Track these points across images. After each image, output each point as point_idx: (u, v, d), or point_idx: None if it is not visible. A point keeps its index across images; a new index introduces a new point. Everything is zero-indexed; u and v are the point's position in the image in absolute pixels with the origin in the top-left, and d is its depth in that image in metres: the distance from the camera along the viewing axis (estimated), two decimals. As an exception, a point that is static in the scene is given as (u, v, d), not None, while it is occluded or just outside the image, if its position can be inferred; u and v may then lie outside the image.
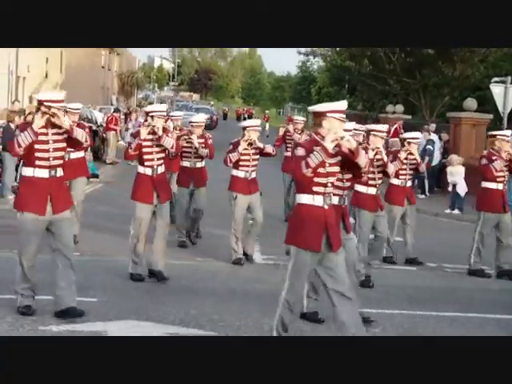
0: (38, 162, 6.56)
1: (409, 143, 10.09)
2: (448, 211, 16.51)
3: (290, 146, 13.38)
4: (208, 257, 10.18)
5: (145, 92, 71.64)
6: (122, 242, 11.09)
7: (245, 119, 70.88)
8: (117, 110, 25.71)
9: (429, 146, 19.62)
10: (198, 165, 10.78)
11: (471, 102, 20.58)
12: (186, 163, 10.74)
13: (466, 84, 27.47)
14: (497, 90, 17.72)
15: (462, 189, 16.24)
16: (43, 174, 6.59)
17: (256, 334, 6.47)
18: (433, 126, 20.75)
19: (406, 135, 10.57)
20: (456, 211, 16.32)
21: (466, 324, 7.46)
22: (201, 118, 11.42)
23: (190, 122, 10.84)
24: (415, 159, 10.25)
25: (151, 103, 52.60)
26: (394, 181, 10.28)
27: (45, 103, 6.54)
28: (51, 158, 6.60)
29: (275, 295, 7.75)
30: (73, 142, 6.78)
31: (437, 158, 19.91)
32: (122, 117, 27.23)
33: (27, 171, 6.65)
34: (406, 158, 10.03)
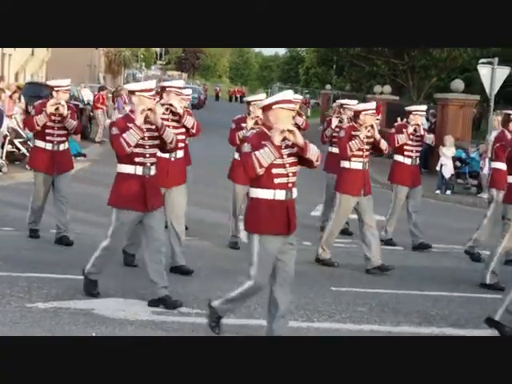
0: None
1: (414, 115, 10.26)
2: (438, 192, 16.56)
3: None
4: (195, 236, 10.21)
5: (132, 70, 71.18)
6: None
7: (236, 100, 70.59)
8: (102, 88, 25.26)
9: (416, 127, 19.72)
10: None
11: (458, 83, 20.62)
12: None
13: (453, 65, 27.56)
14: (484, 71, 17.75)
15: (448, 170, 16.40)
16: None
17: (244, 312, 6.52)
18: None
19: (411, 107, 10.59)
20: (448, 192, 16.41)
21: (449, 304, 7.53)
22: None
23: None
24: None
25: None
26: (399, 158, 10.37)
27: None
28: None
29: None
30: None
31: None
32: (109, 95, 26.94)
33: None
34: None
